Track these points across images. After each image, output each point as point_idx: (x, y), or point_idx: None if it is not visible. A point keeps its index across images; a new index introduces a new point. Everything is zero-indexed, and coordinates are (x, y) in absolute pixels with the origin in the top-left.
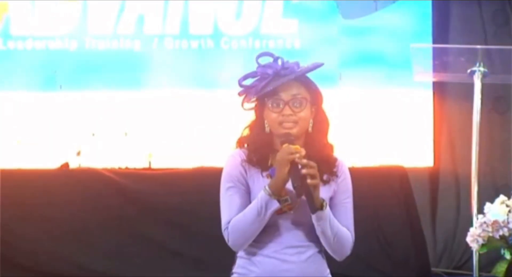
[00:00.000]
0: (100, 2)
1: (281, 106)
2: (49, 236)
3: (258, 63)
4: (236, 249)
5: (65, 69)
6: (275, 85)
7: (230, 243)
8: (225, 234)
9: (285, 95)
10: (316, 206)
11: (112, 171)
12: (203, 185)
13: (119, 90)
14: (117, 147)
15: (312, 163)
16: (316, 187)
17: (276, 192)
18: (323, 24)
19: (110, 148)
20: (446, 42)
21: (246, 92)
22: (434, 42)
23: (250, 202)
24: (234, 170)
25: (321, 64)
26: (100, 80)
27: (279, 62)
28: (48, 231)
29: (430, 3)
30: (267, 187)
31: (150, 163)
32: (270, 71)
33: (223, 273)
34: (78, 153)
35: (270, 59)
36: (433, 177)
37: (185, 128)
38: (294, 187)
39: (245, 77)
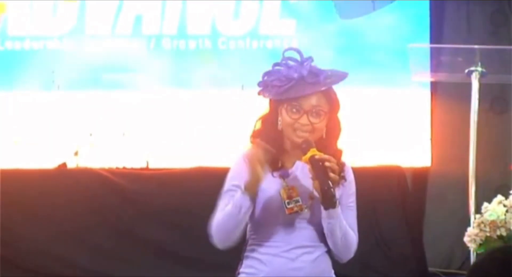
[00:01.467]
0: (98, 2)
1: (299, 114)
2: (47, 236)
3: (283, 55)
4: (219, 245)
5: (63, 69)
6: (298, 94)
7: (213, 239)
8: (210, 231)
9: (305, 104)
10: (334, 201)
11: (110, 171)
12: (201, 185)
13: (116, 90)
14: (115, 147)
15: (333, 159)
16: (335, 181)
17: (249, 189)
18: (321, 24)
19: (108, 148)
20: (444, 42)
21: (266, 89)
22: (431, 42)
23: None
24: (240, 174)
25: (346, 75)
26: (98, 80)
27: (306, 66)
28: (46, 231)
29: (427, 3)
30: (242, 186)
31: (147, 163)
32: (295, 75)
33: (222, 273)
34: (76, 153)
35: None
36: (430, 177)
37: (182, 128)
38: (324, 190)
39: (269, 74)
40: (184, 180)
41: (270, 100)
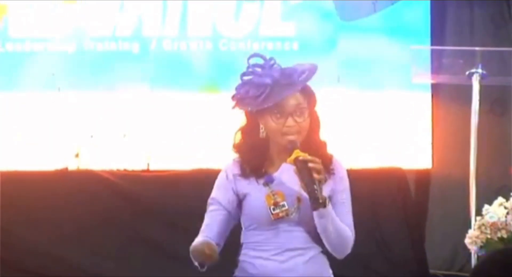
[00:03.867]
0: (99, 3)
1: (284, 117)
2: (47, 238)
3: (248, 63)
4: None
5: (64, 71)
6: (278, 98)
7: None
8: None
9: (287, 106)
10: (320, 202)
11: (111, 173)
12: (201, 187)
13: (117, 92)
14: (116, 149)
15: (317, 159)
16: (321, 182)
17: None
18: (322, 26)
19: (109, 150)
20: (445, 44)
21: (243, 102)
22: (432, 44)
23: (236, 215)
24: (220, 190)
25: (316, 67)
26: (99, 81)
27: (276, 68)
28: (47, 232)
29: (428, 4)
30: (193, 246)
31: (148, 165)
32: (268, 81)
33: (221, 273)
34: (77, 155)
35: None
36: (431, 179)
37: (183, 130)
38: (308, 192)
39: (242, 87)
40: (185, 182)
41: (246, 111)
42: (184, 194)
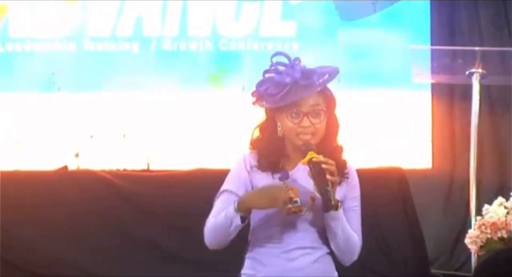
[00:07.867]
0: (99, 3)
1: (300, 117)
2: (47, 238)
3: (271, 61)
4: (209, 247)
5: (64, 71)
6: (295, 98)
7: (205, 240)
8: (204, 231)
9: (303, 106)
10: (332, 204)
11: (111, 173)
12: (201, 187)
13: (117, 92)
14: (116, 149)
15: (331, 161)
16: (334, 184)
17: (243, 210)
18: (322, 26)
19: (109, 150)
20: (445, 44)
21: (262, 98)
22: (432, 43)
23: None
24: (236, 177)
25: (338, 70)
26: (99, 82)
27: (297, 68)
28: (47, 233)
29: (428, 4)
30: (236, 203)
31: (148, 165)
32: (288, 80)
33: (222, 274)
34: (77, 155)
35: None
36: (431, 179)
37: (183, 129)
38: (321, 194)
39: (262, 83)
40: (185, 181)
41: (266, 108)
42: (184, 194)
